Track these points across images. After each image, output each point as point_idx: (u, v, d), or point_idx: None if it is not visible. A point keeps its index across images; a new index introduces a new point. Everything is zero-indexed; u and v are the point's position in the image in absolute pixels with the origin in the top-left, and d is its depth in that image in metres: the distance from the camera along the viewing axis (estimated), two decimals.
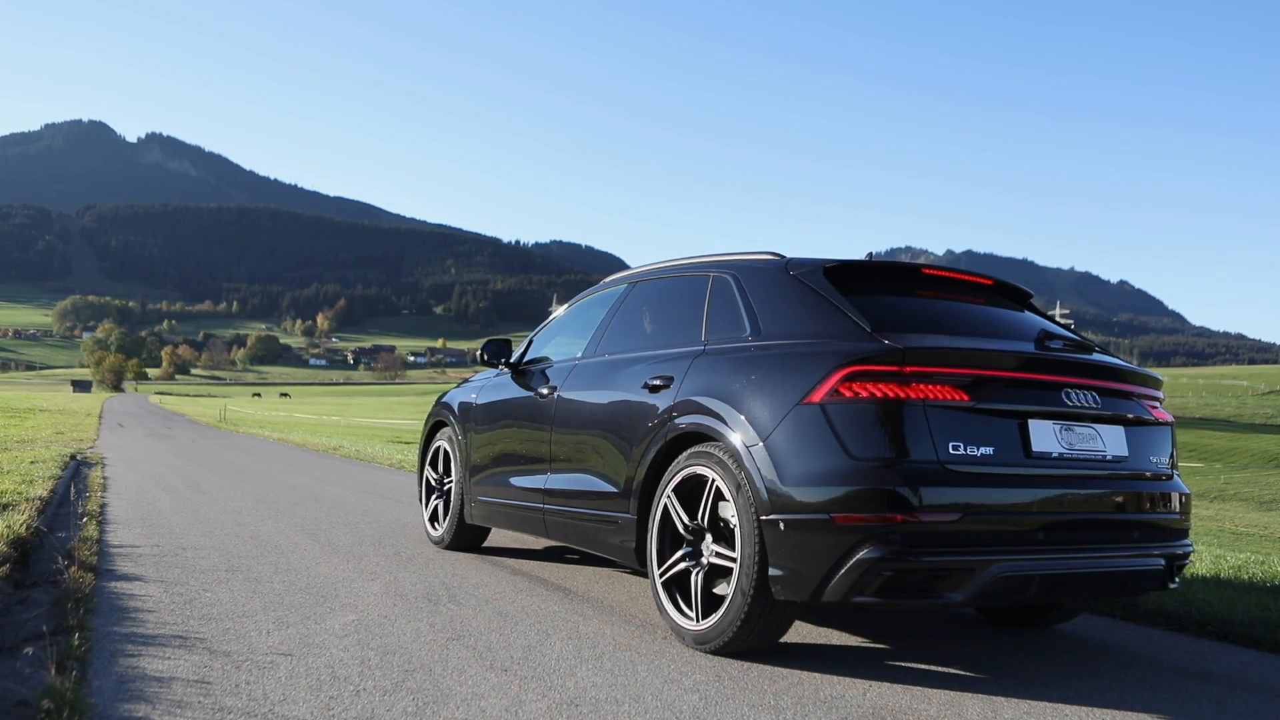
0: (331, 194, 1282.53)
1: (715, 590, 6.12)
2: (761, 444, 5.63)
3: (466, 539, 10.17)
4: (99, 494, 14.57)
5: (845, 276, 6.29)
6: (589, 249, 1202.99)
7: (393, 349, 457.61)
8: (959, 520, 5.15)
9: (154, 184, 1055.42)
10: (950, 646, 6.84)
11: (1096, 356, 6.24)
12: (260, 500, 14.89)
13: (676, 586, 6.43)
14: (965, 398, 5.33)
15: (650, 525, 6.63)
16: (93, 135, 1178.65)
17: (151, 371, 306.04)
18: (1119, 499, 5.80)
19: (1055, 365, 5.80)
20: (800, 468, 5.43)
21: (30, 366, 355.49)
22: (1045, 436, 5.57)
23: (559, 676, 5.58)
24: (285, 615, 6.88)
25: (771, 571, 5.56)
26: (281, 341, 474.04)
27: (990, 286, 7.03)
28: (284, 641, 6.13)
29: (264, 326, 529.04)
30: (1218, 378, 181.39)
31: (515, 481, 8.72)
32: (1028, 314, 6.98)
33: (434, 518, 10.56)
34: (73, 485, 15.28)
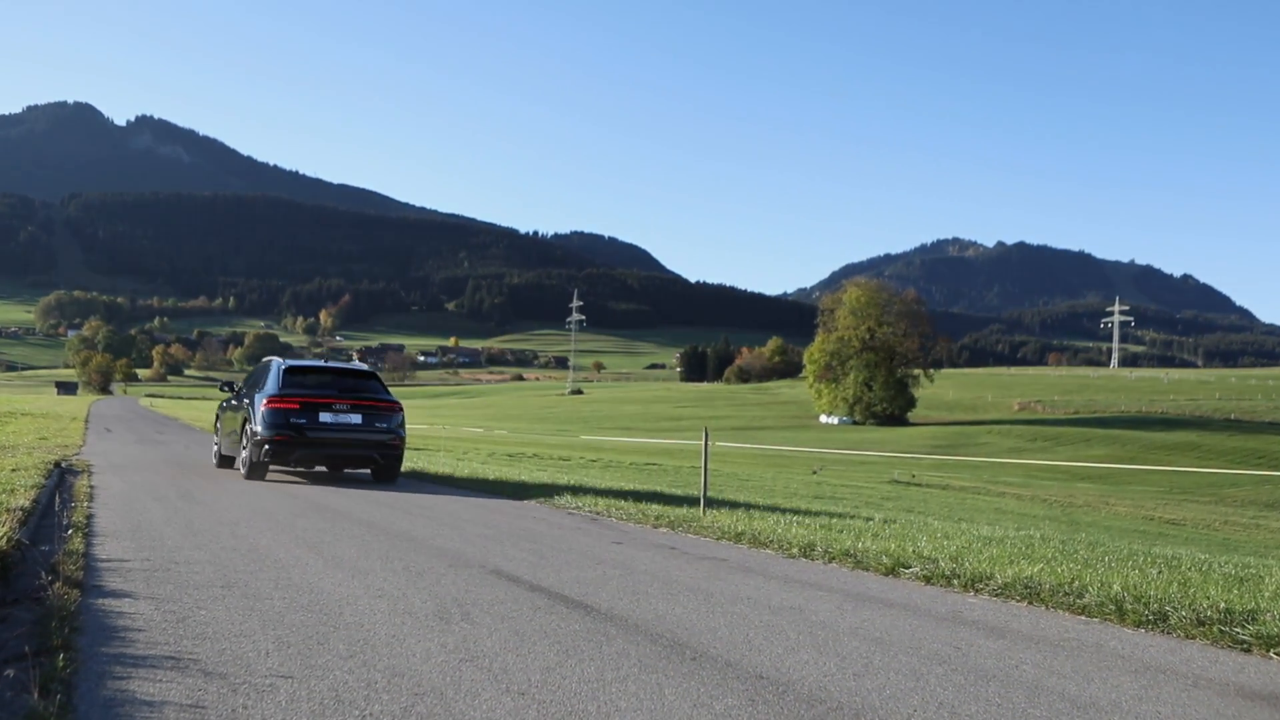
0: (335, 182, 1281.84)
1: (243, 454, 22.33)
2: (255, 419, 21.41)
3: (225, 464, 25.07)
4: (85, 504, 14.65)
5: (292, 370, 22.35)
6: (612, 240, 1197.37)
7: (401, 348, 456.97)
8: (294, 438, 21.09)
9: (144, 171, 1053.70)
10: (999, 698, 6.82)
11: (363, 396, 22.19)
12: (258, 511, 14.96)
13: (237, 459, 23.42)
14: (298, 406, 21.18)
15: (241, 439, 22.33)
16: (78, 118, 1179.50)
17: (141, 372, 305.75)
18: (357, 437, 21.70)
19: (333, 393, 21.86)
20: (260, 424, 21.14)
21: (11, 367, 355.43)
22: (326, 416, 21.34)
23: (580, 701, 5.58)
24: (286, 634, 6.91)
25: (250, 455, 21.54)
26: (282, 340, 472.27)
27: (349, 369, 23.86)
28: (284, 663, 6.16)
29: (263, 324, 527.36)
30: None
31: (227, 434, 24.71)
32: (362, 380, 23.20)
33: (213, 455, 26.58)
34: (57, 495, 15.33)
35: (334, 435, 21.44)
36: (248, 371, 29.13)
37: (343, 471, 24.58)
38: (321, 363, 24.37)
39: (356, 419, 21.59)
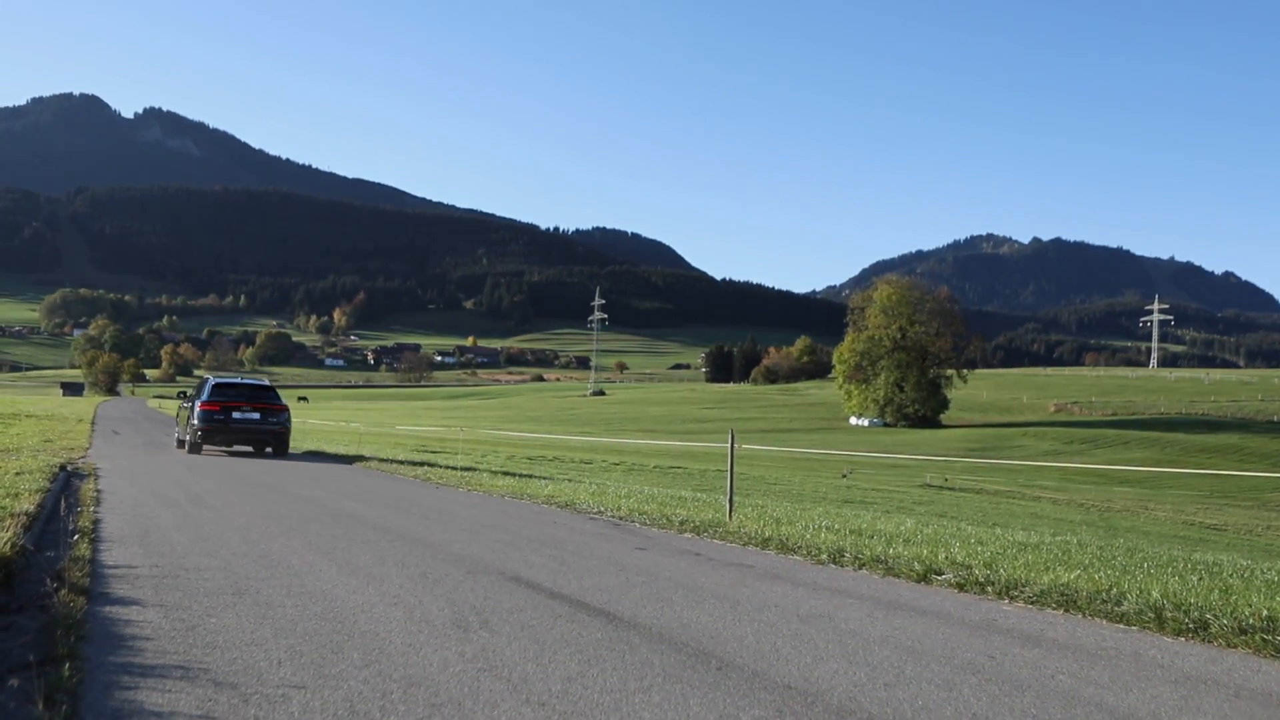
0: (350, 176, 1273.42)
1: (186, 438, 36.14)
2: (194, 415, 34.94)
3: (180, 446, 38.17)
4: (92, 509, 14.68)
5: (218, 385, 36.83)
6: (635, 237, 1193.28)
7: (418, 348, 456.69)
8: (216, 428, 34.67)
9: (152, 164, 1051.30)
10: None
11: (262, 401, 36.14)
12: (270, 516, 14.98)
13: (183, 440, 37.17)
14: (219, 408, 34.83)
15: (186, 428, 36.41)
16: (84, 110, 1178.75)
17: (150, 373, 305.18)
18: (256, 427, 35.58)
19: (243, 400, 35.76)
20: (196, 419, 34.71)
21: (15, 367, 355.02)
22: (237, 414, 35.06)
23: (602, 712, 5.57)
24: (298, 643, 6.93)
25: (190, 438, 35.34)
26: (294, 339, 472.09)
27: (256, 385, 38.53)
28: (297, 672, 6.18)
29: (275, 323, 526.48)
30: None
31: (182, 426, 38.49)
32: (263, 391, 37.50)
33: (175, 440, 40.96)
34: (62, 499, 15.40)
35: (241, 426, 35.43)
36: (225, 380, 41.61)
37: (265, 451, 36.74)
38: (239, 379, 40.91)
39: (256, 416, 35.79)
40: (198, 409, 35.12)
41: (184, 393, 44.88)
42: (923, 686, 6.47)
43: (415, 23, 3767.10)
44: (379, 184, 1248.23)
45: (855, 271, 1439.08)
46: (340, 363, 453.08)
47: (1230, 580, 11.41)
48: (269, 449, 36.64)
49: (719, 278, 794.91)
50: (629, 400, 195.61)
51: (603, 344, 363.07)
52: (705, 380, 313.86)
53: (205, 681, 5.81)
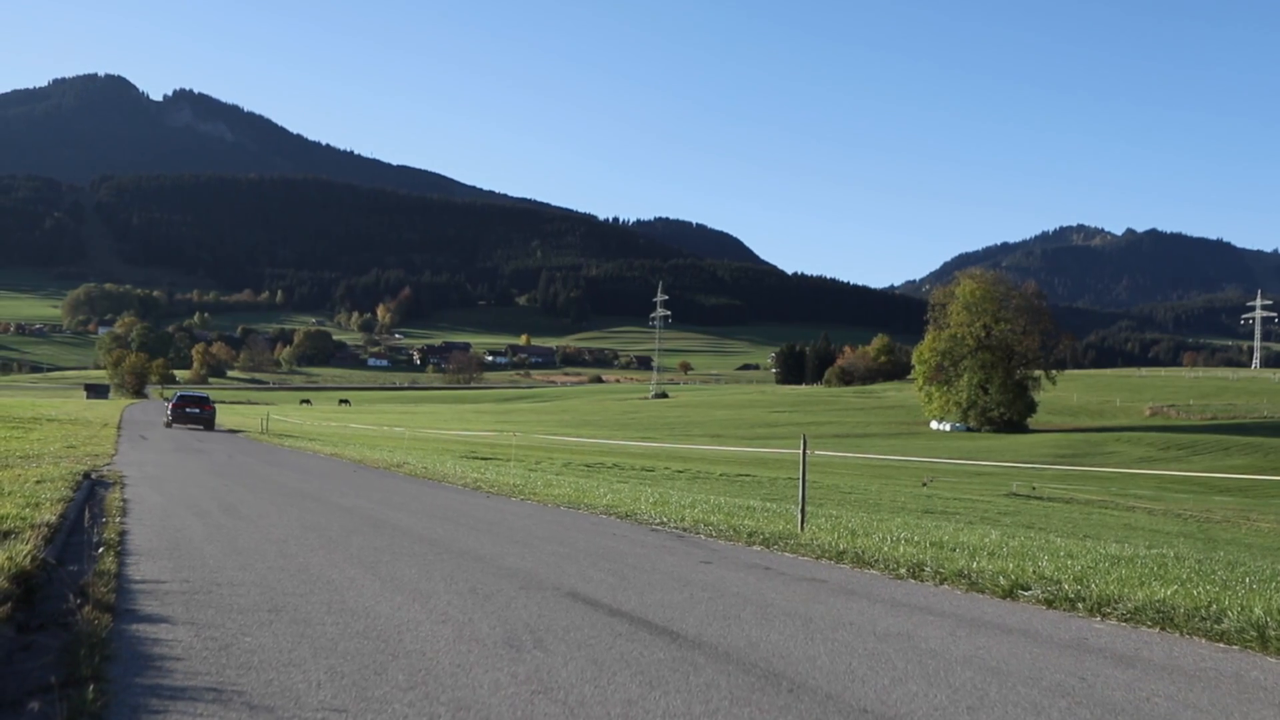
0: (395, 163, 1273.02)
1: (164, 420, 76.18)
2: (168, 410, 76.07)
3: (165, 425, 71.89)
4: (118, 519, 14.79)
5: (180, 396, 76.91)
6: (701, 228, 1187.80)
7: (467, 347, 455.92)
8: (179, 416, 71.70)
9: (183, 150, 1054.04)
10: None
11: (202, 403, 74.87)
12: (309, 527, 15.05)
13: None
14: (182, 407, 72.83)
15: (165, 416, 76.15)
16: (110, 93, 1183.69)
17: (180, 374, 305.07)
18: (197, 415, 72.18)
19: (191, 403, 74.10)
20: (169, 411, 73.76)
21: (36, 368, 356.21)
22: (188, 410, 72.13)
23: None
24: (339, 664, 6.94)
25: (166, 420, 73.49)
26: (335, 338, 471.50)
27: (199, 396, 79.45)
28: (338, 695, 6.19)
29: (314, 320, 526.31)
30: None
31: (166, 414, 76.49)
32: (203, 398, 77.70)
33: (163, 423, 74.92)
34: (86, 509, 15.47)
35: (190, 415, 70.07)
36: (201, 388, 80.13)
37: (205, 429, 67.45)
38: (191, 393, 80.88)
39: (197, 410, 70.94)
40: (170, 407, 71.34)
41: (166, 397, 75.66)
42: (1008, 710, 6.46)
43: (463, 4, 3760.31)
44: (426, 171, 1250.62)
45: (936, 265, 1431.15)
46: (384, 363, 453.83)
47: None
48: (205, 428, 66.72)
49: (790, 272, 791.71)
50: (694, 403, 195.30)
51: (666, 343, 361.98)
52: (775, 382, 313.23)
53: (239, 705, 5.84)
